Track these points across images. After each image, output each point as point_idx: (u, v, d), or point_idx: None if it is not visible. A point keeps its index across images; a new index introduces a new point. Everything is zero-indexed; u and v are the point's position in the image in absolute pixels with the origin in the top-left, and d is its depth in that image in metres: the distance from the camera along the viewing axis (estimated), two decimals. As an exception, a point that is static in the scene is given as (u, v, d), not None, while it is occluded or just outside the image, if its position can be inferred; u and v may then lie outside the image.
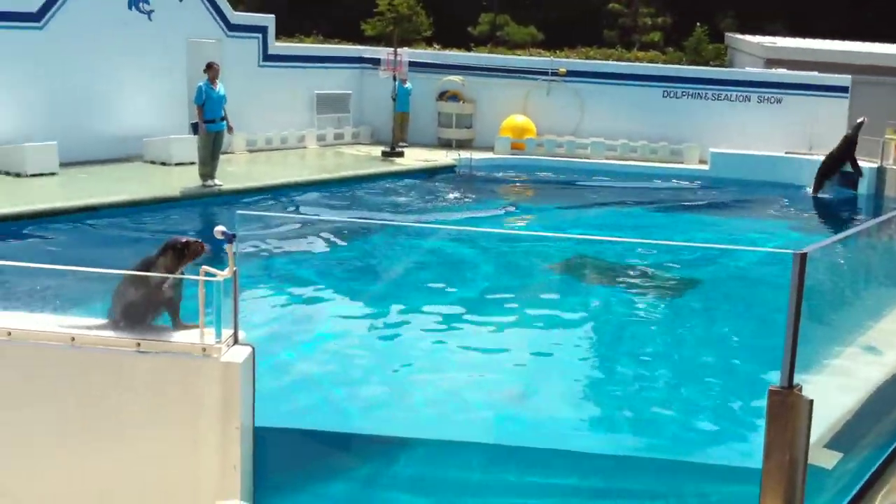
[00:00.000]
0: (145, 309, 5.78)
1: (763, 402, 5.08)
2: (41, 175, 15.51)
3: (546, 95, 23.58)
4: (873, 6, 41.28)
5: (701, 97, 23.09)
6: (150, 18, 18.60)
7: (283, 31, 29.21)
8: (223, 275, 5.60)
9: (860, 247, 7.41)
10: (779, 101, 22.75)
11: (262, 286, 10.12)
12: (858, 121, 19.45)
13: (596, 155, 22.13)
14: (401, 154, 20.66)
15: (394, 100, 21.52)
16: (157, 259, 5.83)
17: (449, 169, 20.35)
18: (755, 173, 20.48)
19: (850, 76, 22.88)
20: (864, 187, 19.46)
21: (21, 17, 16.52)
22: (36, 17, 16.70)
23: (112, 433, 5.68)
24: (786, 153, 21.42)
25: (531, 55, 28.23)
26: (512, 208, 17.78)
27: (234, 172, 17.05)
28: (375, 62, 23.01)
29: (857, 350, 7.02)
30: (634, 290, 11.29)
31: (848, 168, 19.44)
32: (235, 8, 21.95)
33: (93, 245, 12.32)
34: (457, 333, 9.30)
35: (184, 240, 5.84)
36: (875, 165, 19.57)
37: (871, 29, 35.08)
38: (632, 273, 12.05)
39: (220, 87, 15.66)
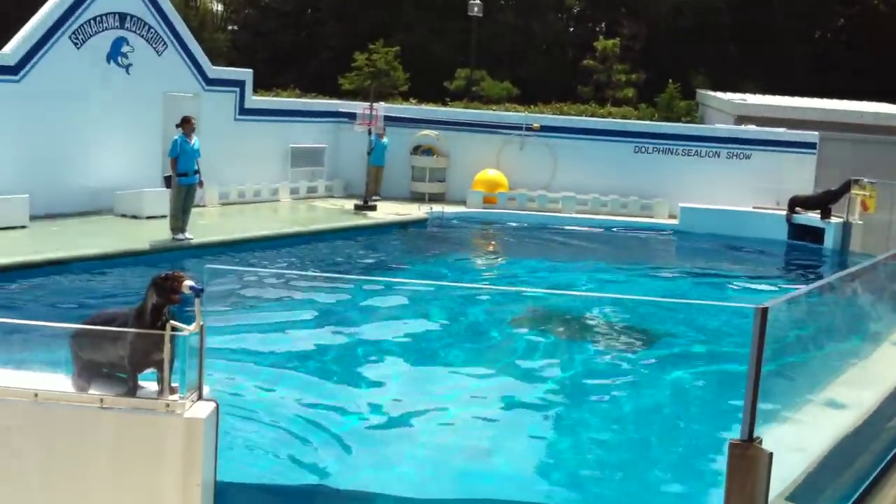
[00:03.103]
0: (141, 360, 5.71)
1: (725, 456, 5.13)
2: (10, 228, 15.44)
3: (519, 150, 23.85)
4: (838, 68, 42.30)
5: (671, 153, 23.41)
6: (128, 72, 18.70)
7: (261, 85, 29.47)
8: (190, 329, 5.62)
9: (823, 301, 7.51)
10: (748, 156, 23.12)
11: (229, 340, 10.09)
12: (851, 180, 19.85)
13: (567, 209, 22.34)
14: (373, 207, 20.77)
15: (369, 154, 21.69)
16: (145, 302, 5.70)
17: (421, 223, 20.48)
18: (724, 228, 20.75)
19: (817, 133, 23.29)
20: (829, 241, 19.76)
21: (-1, 71, 16.62)
22: (14, 70, 16.76)
23: (74, 490, 5.64)
24: (754, 208, 21.71)
25: (506, 110, 28.58)
26: (479, 262, 17.89)
27: (205, 225, 17.06)
28: (351, 116, 23.20)
29: (817, 404, 7.09)
30: (599, 345, 11.38)
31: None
32: (214, 62, 22.12)
33: (60, 298, 12.26)
34: (421, 388, 9.32)
35: (163, 274, 5.74)
36: (841, 220, 19.89)
37: (837, 87, 35.83)
38: (596, 328, 12.14)
39: (195, 141, 15.75)
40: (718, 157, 23.23)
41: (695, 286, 16.07)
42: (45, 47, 17.20)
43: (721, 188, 22.43)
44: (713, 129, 24.88)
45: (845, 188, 19.81)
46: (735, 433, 5.14)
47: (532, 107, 30.16)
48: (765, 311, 5.03)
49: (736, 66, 40.98)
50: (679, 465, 7.74)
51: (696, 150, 23.32)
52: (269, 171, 22.20)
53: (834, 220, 19.96)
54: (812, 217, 20.35)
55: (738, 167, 23.06)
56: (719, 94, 30.52)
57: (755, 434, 5.10)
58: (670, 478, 7.49)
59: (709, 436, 8.15)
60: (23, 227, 15.66)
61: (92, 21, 17.92)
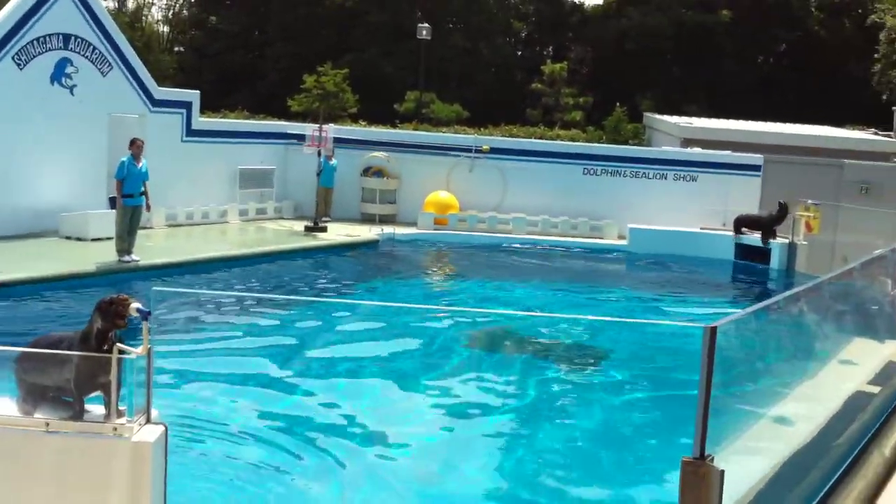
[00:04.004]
0: (85, 383, 5.59)
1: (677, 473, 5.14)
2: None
3: (469, 172, 23.93)
4: (782, 91, 43.17)
5: (620, 175, 23.65)
6: (72, 93, 18.45)
7: (210, 107, 29.29)
8: (137, 352, 5.52)
9: (771, 320, 7.58)
10: (694, 178, 23.44)
11: (177, 363, 9.93)
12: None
13: (517, 230, 22.45)
14: (323, 229, 20.69)
15: (318, 175, 21.63)
16: (90, 325, 5.62)
17: (371, 244, 20.43)
18: (672, 248, 20.99)
19: (762, 155, 23.69)
20: (775, 262, 20.08)
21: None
22: (-47, 89, 16.47)
23: (17, 517, 5.49)
24: (700, 229, 21.99)
25: (456, 132, 28.68)
26: (431, 283, 17.89)
27: (152, 247, 16.84)
28: (300, 138, 23.13)
29: (768, 421, 7.16)
30: (552, 364, 11.41)
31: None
32: (161, 84, 21.91)
33: (3, 322, 11.98)
34: (374, 410, 9.26)
35: (108, 298, 5.64)
36: (786, 241, 20.22)
37: (782, 110, 36.59)
38: (549, 347, 12.17)
39: (143, 164, 15.57)
40: (666, 178, 23.52)
41: (644, 305, 16.20)
42: (-12, 68, 16.94)
43: (668, 209, 22.69)
44: (660, 151, 25.20)
45: (782, 210, 20.11)
46: (687, 451, 5.16)
47: (481, 129, 30.36)
48: (713, 330, 5.05)
49: (681, 88, 41.66)
50: (633, 483, 7.76)
51: (644, 173, 23.59)
52: (217, 192, 22.01)
53: (779, 240, 20.29)
54: (758, 237, 20.66)
55: (684, 189, 23.36)
56: (665, 118, 30.97)
57: (707, 452, 5.12)
58: (624, 497, 7.51)
59: (662, 454, 8.19)
60: (-37, 249, 15.34)
61: (35, 42, 17.66)
